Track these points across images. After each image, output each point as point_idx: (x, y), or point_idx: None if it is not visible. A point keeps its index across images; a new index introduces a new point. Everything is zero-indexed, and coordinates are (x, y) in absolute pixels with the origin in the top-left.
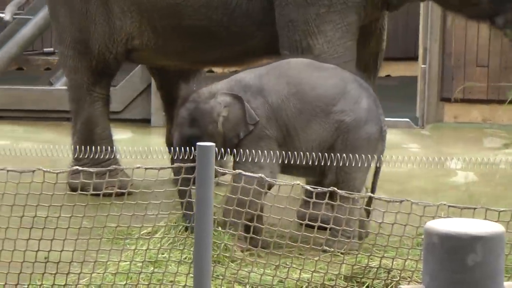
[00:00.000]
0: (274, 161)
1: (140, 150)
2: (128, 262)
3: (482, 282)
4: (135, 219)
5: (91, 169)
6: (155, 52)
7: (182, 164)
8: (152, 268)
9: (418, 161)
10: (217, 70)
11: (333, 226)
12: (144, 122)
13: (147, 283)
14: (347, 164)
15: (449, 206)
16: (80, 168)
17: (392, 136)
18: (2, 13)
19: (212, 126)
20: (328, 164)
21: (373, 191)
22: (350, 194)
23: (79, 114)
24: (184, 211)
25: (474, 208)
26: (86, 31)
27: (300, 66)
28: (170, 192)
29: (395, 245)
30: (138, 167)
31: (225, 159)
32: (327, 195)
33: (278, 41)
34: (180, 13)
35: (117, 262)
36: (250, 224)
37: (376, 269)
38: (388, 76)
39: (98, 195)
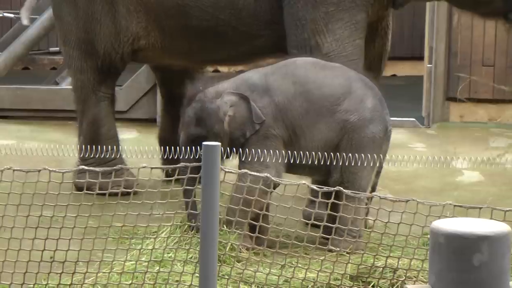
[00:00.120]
0: (279, 161)
1: (146, 150)
2: (134, 262)
3: (488, 282)
4: (141, 219)
5: (97, 169)
6: (161, 52)
7: (187, 164)
8: (157, 268)
9: (424, 160)
10: (223, 69)
11: (339, 225)
12: (150, 121)
13: (152, 282)
14: (352, 164)
15: (455, 205)
16: (86, 167)
17: (398, 136)
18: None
19: (218, 125)
20: (334, 163)
21: (373, 190)
22: (355, 193)
23: (85, 114)
24: (189, 211)
25: (480, 208)
26: (92, 31)
27: (306, 65)
28: (176, 191)
29: (401, 245)
30: (144, 167)
31: (230, 158)
32: (333, 194)
33: (284, 40)
34: (188, 13)
35: (122, 262)
36: (256, 223)
37: (382, 268)
38: (394, 75)
39: (104, 194)
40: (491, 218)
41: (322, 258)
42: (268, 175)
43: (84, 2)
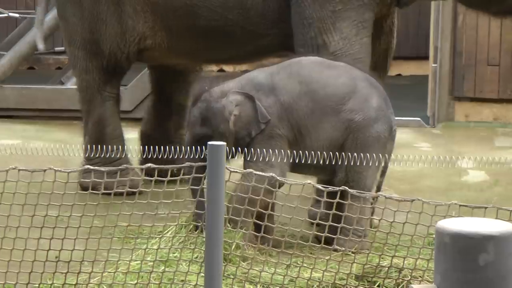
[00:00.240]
0: (284, 161)
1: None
2: (139, 261)
3: (493, 282)
4: (146, 218)
5: (102, 169)
6: (168, 52)
7: (193, 163)
8: (163, 267)
9: (429, 160)
10: (228, 68)
11: (344, 225)
12: None
13: (158, 282)
14: (358, 163)
15: (460, 205)
16: (91, 167)
17: (403, 135)
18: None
19: (224, 125)
20: (339, 162)
21: (378, 190)
22: (361, 193)
23: (90, 114)
24: (195, 211)
25: (486, 208)
26: (97, 31)
27: (311, 64)
28: (181, 191)
29: (406, 244)
30: (149, 166)
31: (236, 158)
32: (338, 194)
33: (290, 39)
34: (196, 13)
35: (128, 261)
36: (261, 223)
37: (387, 268)
38: (399, 75)
39: (109, 194)
40: (496, 218)
41: (327, 257)
42: (274, 174)
43: (90, 2)
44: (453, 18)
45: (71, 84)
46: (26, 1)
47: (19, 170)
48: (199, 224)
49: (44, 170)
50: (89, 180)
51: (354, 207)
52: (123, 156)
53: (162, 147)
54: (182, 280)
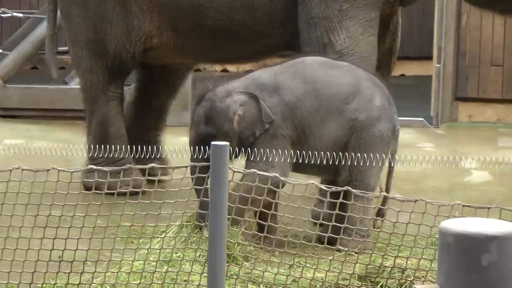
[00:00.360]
0: (286, 161)
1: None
2: (142, 261)
3: (496, 282)
4: (149, 218)
5: (105, 168)
6: (173, 51)
7: (196, 163)
8: (166, 267)
9: (433, 160)
10: (232, 68)
11: (347, 225)
12: None
13: (161, 282)
14: (361, 163)
15: (463, 205)
16: (94, 167)
17: (406, 136)
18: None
19: (228, 124)
20: (342, 162)
21: (387, 190)
22: (364, 193)
23: (94, 114)
24: (198, 211)
25: (489, 208)
26: (102, 31)
27: (315, 64)
28: (185, 191)
29: (409, 245)
30: (153, 166)
31: (239, 158)
32: (341, 194)
33: (295, 38)
34: (203, 14)
35: (131, 261)
36: (264, 223)
37: (390, 268)
38: (402, 75)
39: (112, 194)
40: (500, 218)
41: (330, 258)
42: (277, 174)
43: (95, 2)
44: (457, 18)
45: (75, 84)
46: (30, 1)
47: (22, 169)
48: (202, 224)
49: (48, 170)
50: (92, 180)
51: (357, 207)
52: (127, 156)
53: (138, 146)
54: (185, 280)
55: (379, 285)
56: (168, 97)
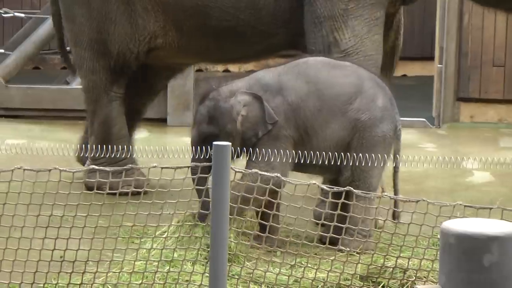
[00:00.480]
0: (286, 162)
1: (156, 149)
2: (144, 261)
3: (498, 282)
4: (151, 218)
5: (107, 168)
6: (177, 51)
7: (198, 163)
8: (167, 267)
9: (434, 161)
10: (233, 68)
11: (349, 225)
12: (160, 121)
13: (162, 282)
14: (363, 164)
15: (465, 206)
16: (96, 167)
17: (408, 136)
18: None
19: (231, 124)
20: (344, 162)
21: (396, 192)
22: (366, 193)
23: (97, 114)
24: (199, 211)
25: (490, 208)
26: (105, 31)
27: (318, 64)
28: (187, 191)
29: (411, 245)
30: (154, 166)
31: (241, 158)
32: (343, 194)
33: (298, 38)
34: (208, 14)
35: (132, 261)
36: (266, 223)
37: (392, 269)
38: (404, 75)
39: (114, 194)
40: (501, 219)
41: (332, 258)
42: (279, 175)
43: (99, 2)
44: (459, 19)
45: (76, 84)
46: (32, 1)
47: (24, 169)
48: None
49: (49, 170)
50: (94, 180)
51: (359, 207)
52: (129, 156)
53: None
54: (187, 280)
55: (381, 285)
56: (145, 103)
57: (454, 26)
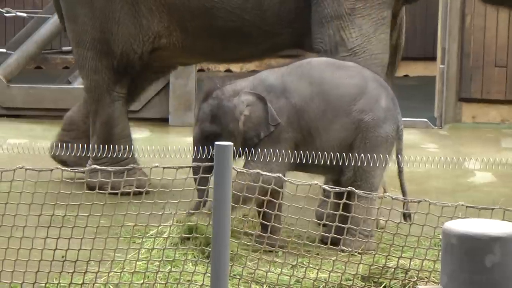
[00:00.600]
0: (284, 164)
1: (158, 149)
2: (145, 261)
3: (500, 283)
4: (153, 218)
5: (109, 168)
6: (182, 51)
7: (200, 164)
8: (169, 267)
9: (436, 161)
10: (235, 68)
11: (351, 225)
12: (162, 121)
13: (164, 282)
14: (365, 164)
15: (467, 206)
16: (98, 167)
17: (410, 136)
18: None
19: (233, 124)
20: (346, 162)
21: (404, 193)
22: (367, 194)
23: (99, 114)
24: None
25: (492, 209)
26: (108, 31)
27: (322, 65)
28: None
29: (412, 245)
30: (156, 166)
31: (242, 158)
32: (345, 194)
33: (303, 37)
34: (214, 15)
35: (134, 261)
36: (268, 223)
37: (393, 269)
38: (406, 76)
39: (116, 194)
40: (503, 219)
41: (333, 258)
42: (281, 175)
43: (102, 2)
44: (461, 19)
45: (78, 84)
46: (34, 1)
47: (26, 169)
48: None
49: (51, 170)
50: (96, 180)
51: (361, 207)
52: (131, 156)
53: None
54: (188, 280)
55: (382, 285)
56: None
57: (456, 26)
